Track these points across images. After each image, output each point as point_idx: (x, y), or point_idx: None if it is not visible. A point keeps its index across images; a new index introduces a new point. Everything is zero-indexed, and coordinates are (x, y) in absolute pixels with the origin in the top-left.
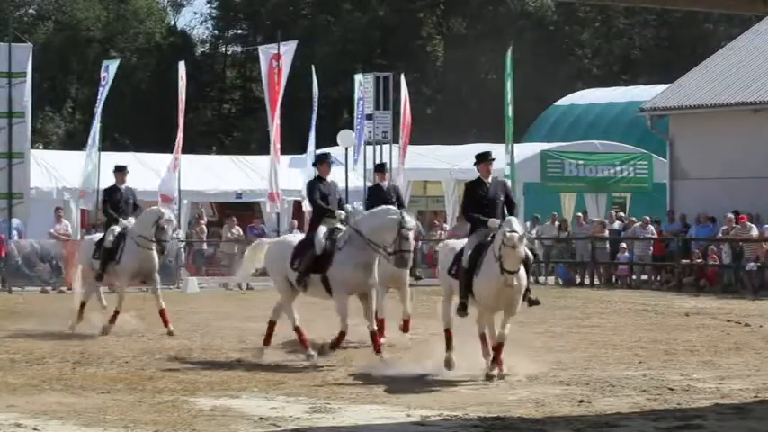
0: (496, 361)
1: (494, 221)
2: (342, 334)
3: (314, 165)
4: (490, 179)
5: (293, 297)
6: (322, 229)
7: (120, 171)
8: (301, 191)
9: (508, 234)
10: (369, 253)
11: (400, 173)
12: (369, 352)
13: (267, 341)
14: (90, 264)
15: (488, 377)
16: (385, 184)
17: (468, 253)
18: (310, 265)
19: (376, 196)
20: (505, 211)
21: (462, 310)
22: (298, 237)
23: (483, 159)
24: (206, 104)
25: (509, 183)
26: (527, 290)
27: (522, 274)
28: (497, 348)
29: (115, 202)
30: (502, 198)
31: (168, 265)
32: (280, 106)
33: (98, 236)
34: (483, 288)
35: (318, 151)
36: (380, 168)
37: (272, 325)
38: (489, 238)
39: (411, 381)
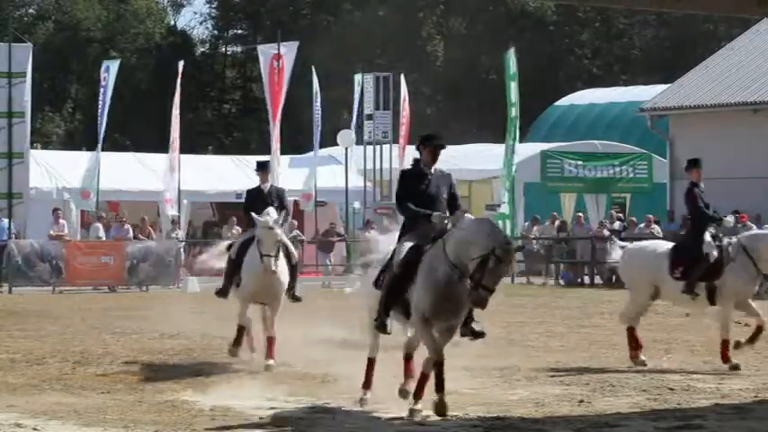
0: (441, 389)
1: (438, 216)
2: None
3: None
4: (433, 169)
5: (648, 306)
6: (707, 237)
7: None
8: (303, 190)
9: (506, 246)
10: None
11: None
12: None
13: (635, 351)
14: None
15: (412, 412)
16: (267, 186)
17: (402, 256)
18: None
19: (256, 199)
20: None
21: (382, 327)
22: (657, 243)
23: (430, 142)
24: (206, 104)
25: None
26: (471, 317)
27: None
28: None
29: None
30: (445, 194)
31: (168, 265)
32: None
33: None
34: (424, 301)
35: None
36: (262, 168)
37: (631, 331)
38: (431, 237)
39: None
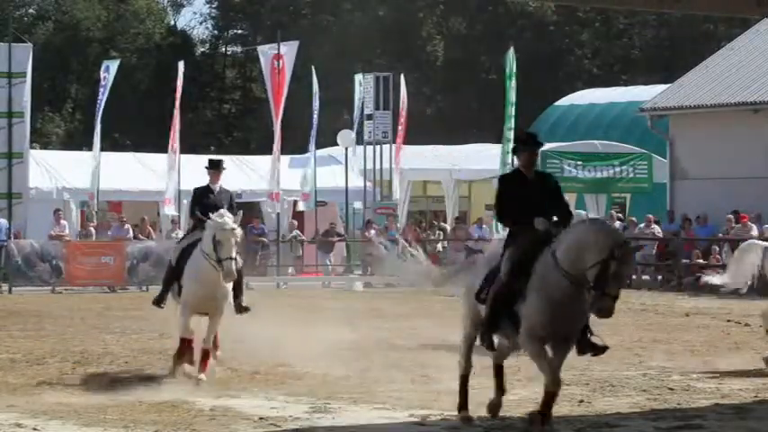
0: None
1: (542, 221)
2: None
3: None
4: (533, 173)
5: None
6: None
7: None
8: (300, 190)
9: (625, 246)
10: None
11: (396, 173)
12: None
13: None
14: None
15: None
16: (216, 186)
17: (509, 267)
18: None
19: (204, 199)
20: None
21: (490, 345)
22: None
23: (526, 146)
24: (206, 104)
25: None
26: (589, 330)
27: None
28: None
29: None
30: (548, 199)
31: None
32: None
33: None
34: (537, 317)
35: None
36: (215, 166)
37: None
38: (539, 246)
39: (411, 381)
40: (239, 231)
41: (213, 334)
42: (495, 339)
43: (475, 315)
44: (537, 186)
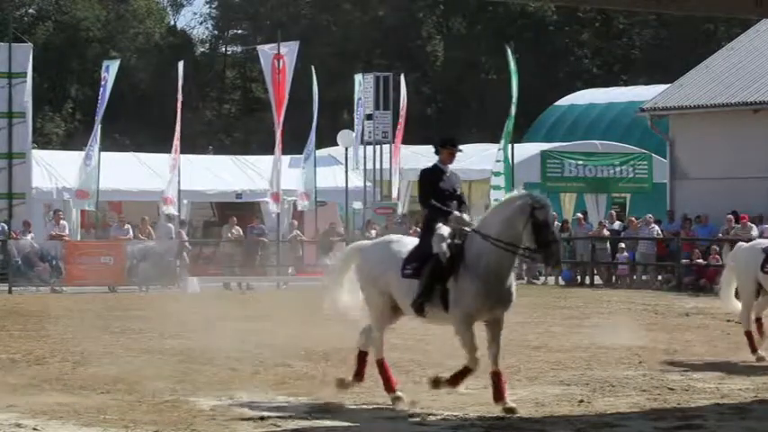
0: None
1: None
2: None
3: None
4: None
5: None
6: None
7: None
8: (298, 190)
9: None
10: None
11: (396, 173)
12: None
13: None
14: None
15: None
16: (448, 168)
17: None
18: None
19: (437, 183)
20: None
21: None
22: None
23: None
24: (206, 104)
25: None
26: None
27: None
28: None
29: None
30: None
31: (169, 265)
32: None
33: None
34: None
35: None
36: (452, 143)
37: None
38: None
39: (411, 381)
40: None
41: (499, 348)
42: None
43: None
44: None
